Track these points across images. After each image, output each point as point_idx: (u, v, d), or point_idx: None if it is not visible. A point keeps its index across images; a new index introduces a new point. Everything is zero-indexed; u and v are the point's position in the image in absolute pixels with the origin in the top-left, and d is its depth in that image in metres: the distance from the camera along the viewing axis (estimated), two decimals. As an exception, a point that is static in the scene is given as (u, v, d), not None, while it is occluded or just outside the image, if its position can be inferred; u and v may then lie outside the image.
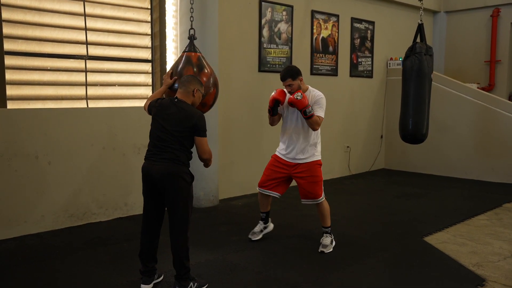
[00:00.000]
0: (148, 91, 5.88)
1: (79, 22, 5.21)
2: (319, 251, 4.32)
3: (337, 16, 7.85)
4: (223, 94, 6.12)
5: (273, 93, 4.24)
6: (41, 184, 4.79)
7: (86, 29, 5.25)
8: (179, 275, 3.43)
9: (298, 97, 3.99)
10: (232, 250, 4.33)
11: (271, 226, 4.76)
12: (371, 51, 8.61)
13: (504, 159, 7.55)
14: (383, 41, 8.80)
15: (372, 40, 8.59)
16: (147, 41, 5.85)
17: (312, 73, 7.52)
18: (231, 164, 6.47)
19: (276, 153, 4.50)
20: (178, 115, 3.36)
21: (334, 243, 4.45)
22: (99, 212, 5.22)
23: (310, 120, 4.08)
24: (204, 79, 3.88)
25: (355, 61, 8.28)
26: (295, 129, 4.31)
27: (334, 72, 7.91)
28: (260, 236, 4.64)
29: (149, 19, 5.84)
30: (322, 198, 4.38)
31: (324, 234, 4.45)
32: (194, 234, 4.77)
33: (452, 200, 6.42)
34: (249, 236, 4.60)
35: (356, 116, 8.38)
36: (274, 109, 4.30)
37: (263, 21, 6.67)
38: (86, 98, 5.30)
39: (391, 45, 8.99)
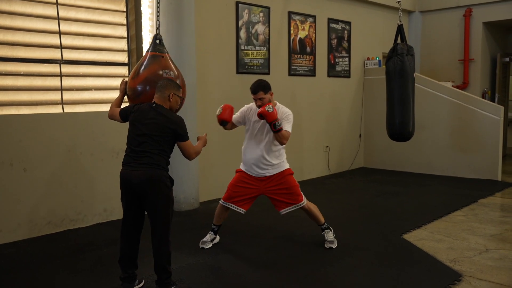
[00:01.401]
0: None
1: (52, 25, 5.14)
2: (327, 247, 4.37)
3: (314, 17, 7.89)
4: (201, 96, 6.12)
5: (218, 111, 4.25)
6: (16, 192, 4.70)
7: (60, 32, 5.17)
8: (160, 280, 3.41)
9: (269, 110, 3.95)
10: (213, 253, 4.32)
11: (218, 238, 4.65)
12: (348, 51, 8.69)
13: (479, 156, 7.70)
14: (359, 41, 8.89)
15: (349, 40, 8.67)
16: (123, 44, 5.80)
17: (290, 74, 7.55)
18: (211, 167, 6.45)
19: (241, 167, 4.42)
20: (157, 120, 3.35)
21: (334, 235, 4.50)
22: (77, 218, 5.14)
23: (279, 134, 4.04)
24: (145, 76, 3.72)
25: (332, 61, 8.34)
26: (260, 142, 4.26)
27: (312, 72, 7.96)
28: (211, 245, 4.52)
29: (124, 22, 5.78)
30: (304, 201, 4.36)
31: (325, 231, 4.48)
32: (175, 238, 4.74)
33: (430, 197, 6.51)
34: (201, 246, 4.48)
35: (334, 116, 8.44)
36: (223, 124, 4.34)
37: (240, 22, 6.67)
38: (62, 103, 5.23)
39: (368, 45, 9.08)
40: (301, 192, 4.37)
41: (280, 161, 4.30)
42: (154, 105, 3.41)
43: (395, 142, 6.29)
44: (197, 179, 6.06)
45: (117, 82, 5.76)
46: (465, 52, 9.56)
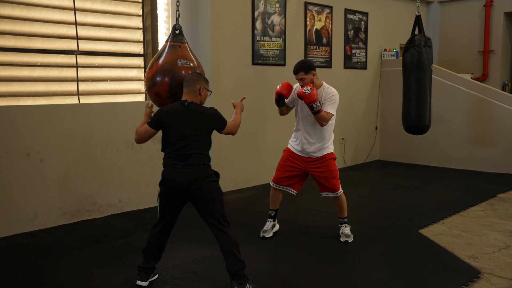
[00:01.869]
0: (140, 86, 5.82)
1: (69, 16, 5.13)
2: (343, 241, 4.36)
3: (330, 7, 7.78)
4: (216, 88, 6.08)
5: (278, 86, 4.25)
6: (33, 182, 4.73)
7: (76, 23, 5.17)
8: (235, 273, 3.29)
9: (306, 91, 3.95)
10: (228, 246, 4.30)
11: (277, 226, 4.68)
12: (365, 42, 8.56)
13: (498, 149, 7.56)
14: (376, 32, 8.76)
15: (366, 32, 8.54)
16: (138, 35, 5.78)
17: (306, 66, 7.46)
18: (225, 158, 6.43)
19: (289, 146, 4.46)
20: (195, 120, 3.26)
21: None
22: (93, 209, 5.17)
23: (317, 115, 4.05)
24: (160, 65, 3.64)
25: (349, 53, 8.23)
26: (307, 122, 4.28)
27: (328, 64, 7.86)
28: (271, 234, 4.53)
29: (140, 12, 5.76)
30: (340, 191, 4.39)
31: (343, 225, 4.48)
32: (189, 230, 4.76)
33: (447, 192, 6.42)
34: (262, 234, 4.50)
35: (350, 108, 8.34)
36: (279, 102, 4.33)
37: (256, 13, 6.60)
38: (78, 94, 5.24)
39: (385, 36, 8.95)
40: (339, 181, 4.39)
41: (324, 143, 4.30)
42: (186, 103, 3.29)
43: (412, 135, 6.22)
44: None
45: (132, 73, 5.75)
46: (485, 43, 9.37)
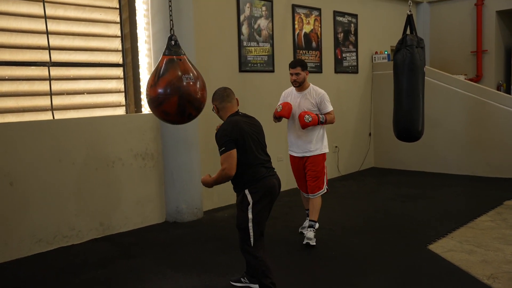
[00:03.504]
0: (120, 98, 5.40)
1: (39, 25, 4.71)
2: (305, 242, 4.40)
3: (319, 9, 7.45)
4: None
5: (279, 108, 4.50)
6: (2, 208, 4.27)
7: (47, 32, 4.74)
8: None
9: (309, 120, 4.32)
10: (220, 273, 3.88)
11: (316, 225, 4.69)
12: (356, 45, 8.24)
13: (498, 153, 7.26)
14: (367, 35, 8.44)
15: (356, 34, 8.22)
16: (117, 44, 5.37)
17: (295, 71, 7.10)
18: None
19: (289, 152, 4.74)
20: (257, 125, 3.38)
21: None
22: (71, 234, 4.72)
23: (327, 123, 4.50)
24: (165, 83, 3.61)
25: (339, 57, 7.90)
26: (297, 127, 4.53)
27: (318, 69, 7.52)
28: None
29: (118, 19, 5.35)
30: (322, 191, 4.59)
31: (311, 228, 4.52)
32: (179, 254, 4.35)
33: (451, 200, 6.08)
34: (300, 230, 4.80)
35: (343, 114, 7.98)
36: (279, 121, 4.66)
37: (241, 17, 6.23)
38: (52, 109, 4.80)
39: (376, 38, 8.64)
40: (325, 182, 4.63)
41: (319, 143, 4.56)
42: (241, 113, 3.36)
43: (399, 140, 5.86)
44: (200, 186, 5.61)
45: (111, 84, 5.33)
46: (477, 43, 9.11)
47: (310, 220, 4.56)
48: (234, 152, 3.12)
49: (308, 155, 4.55)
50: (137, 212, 5.25)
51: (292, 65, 4.53)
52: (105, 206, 4.97)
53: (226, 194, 6.14)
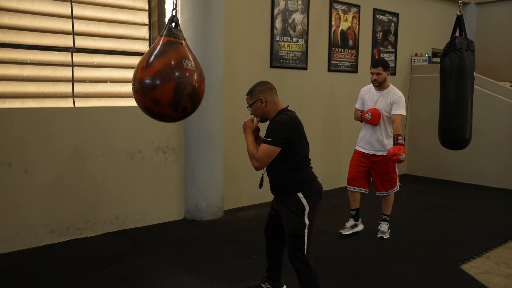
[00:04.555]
0: (144, 89, 5.22)
1: (64, 9, 4.56)
2: (378, 236, 4.67)
3: (358, 6, 7.10)
4: (229, 92, 5.46)
5: (368, 116, 4.59)
6: (15, 196, 4.15)
7: (72, 17, 4.59)
8: None
9: (403, 157, 4.26)
10: (235, 280, 3.64)
11: (361, 226, 4.92)
12: (395, 45, 7.85)
13: (543, 168, 6.76)
14: (407, 35, 8.03)
15: (395, 34, 7.83)
16: (144, 32, 5.19)
17: (329, 70, 6.81)
18: (238, 170, 5.79)
19: (356, 147, 4.82)
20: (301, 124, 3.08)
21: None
22: (85, 226, 4.58)
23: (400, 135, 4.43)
24: (161, 65, 2.93)
25: (377, 57, 7.53)
26: (370, 125, 4.63)
27: (354, 68, 7.18)
28: (351, 231, 4.80)
29: (146, 7, 5.17)
30: (395, 189, 4.74)
31: (383, 222, 4.80)
32: (193, 256, 4.14)
33: (487, 215, 5.67)
34: (340, 231, 4.78)
35: (377, 117, 7.63)
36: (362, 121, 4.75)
37: (275, 10, 5.96)
38: (73, 96, 4.66)
39: (416, 39, 8.22)
40: (398, 179, 4.74)
41: (388, 144, 4.57)
42: (288, 108, 3.07)
43: (443, 148, 5.49)
44: (222, 184, 5.41)
45: (136, 74, 5.16)
46: (527, 49, 8.56)
47: (383, 214, 4.81)
48: (277, 151, 2.87)
49: (380, 154, 4.60)
50: (155, 208, 5.07)
51: (374, 65, 4.57)
52: (121, 200, 4.81)
53: (248, 194, 5.92)
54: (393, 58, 7.83)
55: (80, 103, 4.71)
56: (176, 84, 2.90)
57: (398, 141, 4.31)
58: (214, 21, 5.12)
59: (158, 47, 3.00)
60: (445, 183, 7.52)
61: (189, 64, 2.98)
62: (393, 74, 7.86)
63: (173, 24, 3.12)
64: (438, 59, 7.89)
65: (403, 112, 4.51)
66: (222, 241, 4.58)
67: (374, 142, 4.62)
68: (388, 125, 4.60)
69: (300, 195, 2.93)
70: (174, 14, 3.15)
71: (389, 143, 4.54)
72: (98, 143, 4.63)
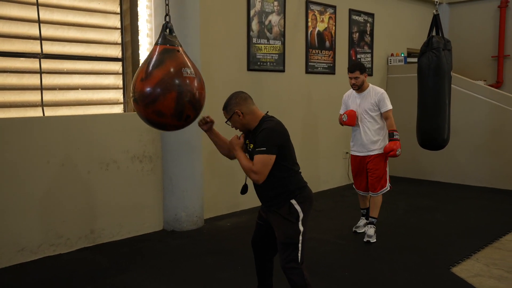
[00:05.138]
0: (118, 95, 5.00)
1: (30, 12, 4.31)
2: (365, 240, 4.58)
3: (334, 7, 7.02)
4: (207, 96, 5.26)
5: (344, 117, 4.66)
6: (-18, 213, 3.88)
7: (39, 21, 4.34)
8: None
9: (399, 152, 4.54)
10: (220, 294, 3.47)
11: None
12: (371, 46, 7.80)
13: (521, 165, 6.79)
14: (383, 36, 8.00)
15: (371, 34, 7.78)
16: (116, 37, 4.97)
17: (307, 71, 6.69)
18: (217, 176, 5.61)
19: (351, 152, 4.88)
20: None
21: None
22: (58, 242, 4.31)
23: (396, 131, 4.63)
24: (162, 76, 2.87)
25: (353, 58, 7.46)
26: (360, 127, 4.66)
27: (331, 70, 7.09)
28: (363, 230, 4.84)
29: (118, 10, 4.96)
30: (386, 189, 4.71)
31: (369, 225, 4.71)
32: (176, 270, 3.93)
33: (471, 215, 5.63)
34: (354, 229, 4.91)
35: (355, 118, 7.56)
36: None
37: (252, 12, 5.82)
38: (42, 105, 4.41)
39: (392, 39, 8.20)
40: (388, 180, 4.75)
41: (379, 144, 4.64)
42: (268, 113, 2.97)
43: (423, 148, 5.44)
44: (202, 192, 5.21)
45: (108, 80, 4.94)
46: (499, 47, 8.65)
47: (370, 217, 4.74)
48: (273, 159, 2.71)
49: (371, 154, 4.64)
50: (132, 220, 4.84)
51: (351, 70, 4.62)
52: (96, 212, 4.56)
53: (228, 202, 5.74)
54: (369, 59, 7.78)
55: (49, 112, 4.46)
56: (177, 94, 2.85)
57: (394, 137, 4.49)
58: (189, 24, 4.93)
59: (155, 56, 2.93)
60: (426, 183, 7.49)
61: (188, 72, 2.95)
62: (370, 75, 7.81)
63: (168, 31, 3.03)
64: (413, 59, 7.89)
65: (391, 106, 4.63)
66: (205, 252, 4.38)
67: (366, 143, 4.63)
68: (376, 124, 4.63)
69: (293, 202, 2.80)
70: (167, 20, 3.06)
71: (379, 139, 4.63)
72: (70, 154, 4.38)
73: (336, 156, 7.34)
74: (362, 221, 4.99)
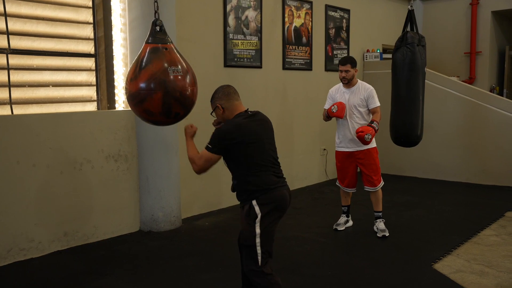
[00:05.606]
0: (91, 92, 4.82)
1: (-4, 6, 4.10)
2: (380, 236, 4.58)
3: (310, 3, 6.96)
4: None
5: (334, 108, 4.55)
6: None
7: (6, 14, 4.13)
8: None
9: (369, 138, 4.33)
10: (202, 297, 3.36)
11: (351, 222, 5.01)
12: (347, 42, 7.79)
13: (495, 159, 6.89)
14: (359, 32, 8.00)
15: (347, 30, 7.76)
16: (88, 31, 4.79)
17: (284, 68, 6.62)
18: (195, 175, 5.46)
19: (336, 148, 4.79)
20: (268, 125, 2.95)
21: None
22: (29, 246, 4.13)
23: (378, 125, 4.49)
24: (147, 77, 2.99)
25: (330, 54, 7.44)
26: (348, 122, 4.60)
27: (308, 66, 7.04)
28: (344, 227, 4.89)
29: (90, 4, 4.77)
30: (380, 185, 4.71)
31: (379, 219, 4.74)
32: (155, 273, 3.80)
33: (448, 210, 5.66)
34: (335, 227, 4.86)
35: (332, 114, 7.53)
36: (330, 119, 4.75)
37: (228, 7, 5.70)
38: (10, 102, 4.19)
39: (367, 35, 8.21)
40: (380, 175, 4.72)
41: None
42: (250, 112, 2.90)
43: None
44: (179, 191, 5.09)
45: (81, 76, 4.75)
46: (471, 44, 8.78)
47: (376, 212, 4.76)
48: (214, 158, 2.80)
49: (362, 149, 4.59)
50: (108, 221, 4.68)
51: (342, 62, 4.59)
52: (70, 214, 4.39)
53: (206, 201, 5.63)
54: (346, 55, 7.75)
55: (19, 110, 4.25)
56: (163, 93, 2.94)
57: (372, 124, 4.42)
58: (165, 18, 4.74)
59: (144, 57, 3.02)
60: (402, 179, 7.53)
61: (175, 70, 3.00)
62: (347, 71, 7.79)
63: (158, 28, 3.06)
64: (388, 55, 7.92)
65: (379, 103, 4.62)
66: (184, 253, 4.27)
67: (356, 138, 4.52)
68: (363, 119, 4.60)
69: (254, 202, 2.74)
70: (156, 17, 3.09)
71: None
72: (42, 154, 4.19)
73: (313, 152, 7.30)
74: (343, 218, 4.96)
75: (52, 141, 4.27)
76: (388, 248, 4.37)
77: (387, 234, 4.61)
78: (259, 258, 2.71)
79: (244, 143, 2.74)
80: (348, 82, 4.63)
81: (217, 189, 5.72)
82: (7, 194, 3.99)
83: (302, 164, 7.10)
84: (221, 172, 5.69)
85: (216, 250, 4.30)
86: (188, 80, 3.06)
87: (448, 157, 7.29)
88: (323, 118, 4.83)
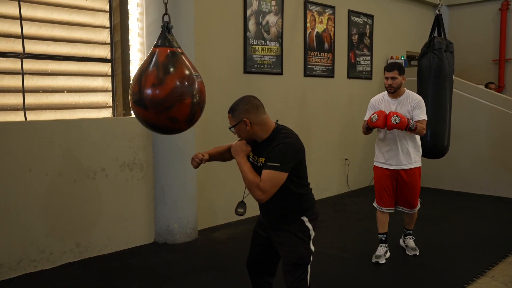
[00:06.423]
0: (107, 98, 4.69)
1: (10, 9, 3.99)
2: (411, 254, 4.35)
3: (333, 8, 6.76)
4: (201, 101, 4.97)
5: (373, 118, 4.03)
6: (-45, 227, 3.55)
7: (21, 18, 4.02)
8: None
9: (396, 121, 3.89)
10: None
11: (388, 253, 4.38)
12: (370, 49, 7.55)
13: (526, 172, 6.56)
14: (382, 38, 7.76)
15: (371, 37, 7.53)
16: (105, 36, 4.66)
17: (305, 75, 6.41)
18: (211, 185, 5.30)
19: (376, 164, 4.33)
20: None
21: None
22: (40, 258, 3.98)
23: (416, 131, 4.01)
24: (177, 82, 2.83)
25: (353, 61, 7.21)
26: (392, 136, 4.15)
27: (330, 73, 6.82)
28: (384, 260, 4.24)
29: (107, 7, 4.65)
30: (417, 208, 4.38)
31: (408, 237, 4.52)
32: (168, 286, 3.62)
33: (478, 225, 5.37)
34: (376, 260, 4.18)
35: (354, 123, 7.27)
36: (371, 131, 4.26)
37: (248, 12, 5.53)
38: (24, 108, 4.07)
39: (391, 42, 7.96)
40: (419, 199, 4.36)
41: (417, 155, 4.21)
42: (282, 126, 2.62)
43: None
44: (195, 202, 4.91)
45: (96, 82, 4.62)
46: (500, 51, 8.46)
47: (407, 229, 4.52)
48: (285, 178, 2.40)
49: (406, 168, 4.15)
50: (121, 232, 4.52)
51: (389, 68, 4.12)
52: (83, 224, 4.24)
53: (224, 211, 5.44)
54: (369, 62, 7.53)
55: (32, 116, 4.13)
56: (191, 99, 2.87)
57: (410, 122, 3.93)
58: (183, 23, 4.63)
59: (165, 60, 2.86)
60: (428, 190, 7.22)
61: (197, 75, 2.94)
62: (369, 78, 7.57)
63: (169, 31, 2.97)
64: (413, 62, 7.67)
65: (425, 117, 4.06)
66: (200, 267, 4.08)
67: (401, 156, 4.12)
68: (412, 134, 4.11)
69: (304, 218, 2.53)
70: (167, 20, 2.95)
71: (415, 155, 4.18)
72: (55, 162, 4.06)
73: (334, 162, 7.07)
74: (382, 248, 4.29)
75: (66, 148, 4.13)
76: (415, 266, 4.11)
77: (417, 253, 4.35)
78: (308, 278, 2.54)
79: (303, 159, 2.57)
80: (395, 91, 4.09)
81: (234, 200, 5.50)
82: (18, 203, 3.85)
83: (323, 174, 6.87)
84: (239, 183, 5.49)
85: (233, 265, 4.10)
86: (202, 84, 2.98)
87: (476, 169, 6.97)
88: (362, 131, 4.34)
